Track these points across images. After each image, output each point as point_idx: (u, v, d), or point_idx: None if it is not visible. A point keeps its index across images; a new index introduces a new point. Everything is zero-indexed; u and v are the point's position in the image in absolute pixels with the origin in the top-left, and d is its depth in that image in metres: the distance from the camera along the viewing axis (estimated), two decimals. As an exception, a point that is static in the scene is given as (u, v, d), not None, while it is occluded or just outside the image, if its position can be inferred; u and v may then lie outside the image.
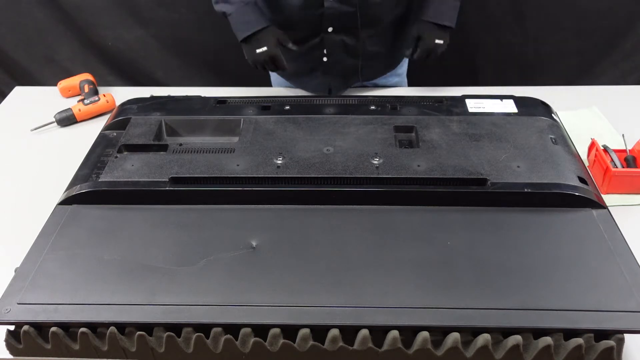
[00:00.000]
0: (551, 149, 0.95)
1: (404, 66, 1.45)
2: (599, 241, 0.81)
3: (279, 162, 0.93)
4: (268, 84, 1.53)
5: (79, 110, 1.30)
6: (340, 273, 0.77)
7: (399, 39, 1.34)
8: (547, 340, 0.69)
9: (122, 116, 1.09)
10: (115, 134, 1.06)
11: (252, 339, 0.71)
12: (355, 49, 1.28)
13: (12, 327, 0.75)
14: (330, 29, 1.23)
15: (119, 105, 1.16)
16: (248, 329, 0.72)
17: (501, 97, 1.10)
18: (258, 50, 1.17)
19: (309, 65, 1.33)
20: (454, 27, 1.24)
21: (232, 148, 0.98)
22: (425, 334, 0.70)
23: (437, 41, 1.23)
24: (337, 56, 1.29)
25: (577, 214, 0.86)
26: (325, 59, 1.29)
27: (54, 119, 1.28)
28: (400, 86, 1.47)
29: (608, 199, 0.97)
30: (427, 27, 1.23)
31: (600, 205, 0.87)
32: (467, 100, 1.10)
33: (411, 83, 1.53)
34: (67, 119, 1.29)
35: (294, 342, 0.71)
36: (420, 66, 1.43)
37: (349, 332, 0.72)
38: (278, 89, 1.51)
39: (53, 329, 0.73)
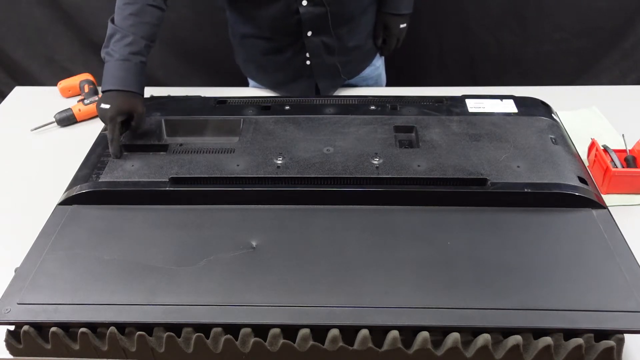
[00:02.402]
0: (551, 149, 0.95)
1: (379, 59, 1.49)
2: (599, 241, 0.81)
3: (279, 162, 0.93)
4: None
5: (79, 110, 1.30)
6: (340, 273, 0.77)
7: (371, 30, 1.39)
8: (547, 340, 0.69)
9: (122, 116, 1.09)
10: (115, 134, 1.06)
11: (252, 339, 0.71)
12: (335, 47, 1.30)
13: (12, 327, 0.75)
14: (309, 33, 1.25)
15: (119, 105, 1.16)
16: (248, 329, 0.72)
17: (501, 97, 1.10)
18: (102, 105, 0.98)
19: (293, 72, 1.35)
20: (411, 12, 1.39)
21: (232, 148, 0.98)
22: (425, 334, 0.70)
23: (401, 26, 1.38)
24: (320, 58, 1.31)
25: (577, 214, 0.86)
26: (308, 62, 1.31)
27: (54, 119, 1.28)
28: (380, 79, 1.52)
29: (608, 199, 0.97)
30: (390, 18, 1.37)
31: (600, 205, 0.87)
32: (467, 100, 1.10)
33: (410, 83, 1.53)
34: (67, 119, 1.29)
35: (294, 342, 0.72)
36: (396, 54, 1.50)
37: (349, 332, 0.72)
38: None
39: (53, 329, 0.73)
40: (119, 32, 1.02)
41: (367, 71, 1.44)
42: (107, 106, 0.98)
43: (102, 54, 1.04)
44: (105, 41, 1.04)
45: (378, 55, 1.46)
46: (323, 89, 1.37)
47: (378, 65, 1.48)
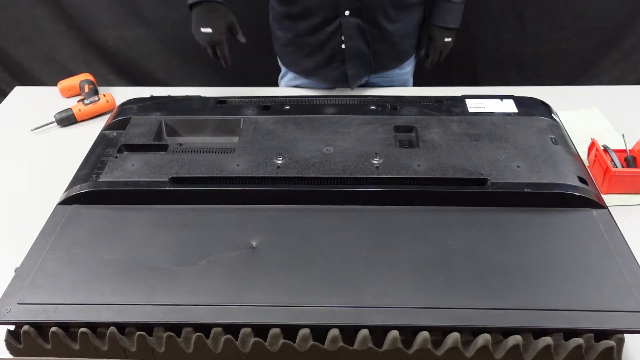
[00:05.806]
0: (551, 149, 0.95)
1: (410, 65, 1.48)
2: (599, 241, 0.81)
3: (279, 162, 0.93)
4: (268, 83, 1.53)
5: (79, 110, 1.30)
6: (340, 273, 0.77)
7: (409, 33, 1.39)
8: (547, 340, 0.69)
9: (122, 116, 1.09)
10: (115, 134, 1.06)
11: (252, 339, 0.71)
12: (370, 32, 1.30)
13: (12, 327, 0.75)
14: (347, 12, 1.26)
15: (119, 105, 1.16)
16: (248, 329, 0.72)
17: (501, 97, 1.10)
18: (202, 30, 1.15)
19: (327, 56, 1.35)
20: (459, 27, 1.38)
21: (232, 148, 0.98)
22: (425, 334, 0.70)
23: (446, 40, 1.38)
24: (354, 41, 1.31)
25: (577, 214, 0.86)
26: (343, 45, 1.31)
27: (54, 119, 1.28)
28: (406, 85, 1.50)
29: (608, 199, 0.97)
30: (435, 30, 1.37)
31: (600, 205, 0.87)
32: (467, 100, 1.10)
33: (413, 82, 1.53)
34: (67, 119, 1.29)
35: (294, 342, 0.72)
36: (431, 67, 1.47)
37: (349, 332, 0.72)
38: (278, 88, 1.51)
39: (53, 329, 0.73)
40: None
41: (396, 72, 1.44)
42: (209, 30, 1.14)
43: None
44: None
45: (411, 60, 1.46)
46: (352, 76, 1.37)
47: (407, 70, 1.47)
